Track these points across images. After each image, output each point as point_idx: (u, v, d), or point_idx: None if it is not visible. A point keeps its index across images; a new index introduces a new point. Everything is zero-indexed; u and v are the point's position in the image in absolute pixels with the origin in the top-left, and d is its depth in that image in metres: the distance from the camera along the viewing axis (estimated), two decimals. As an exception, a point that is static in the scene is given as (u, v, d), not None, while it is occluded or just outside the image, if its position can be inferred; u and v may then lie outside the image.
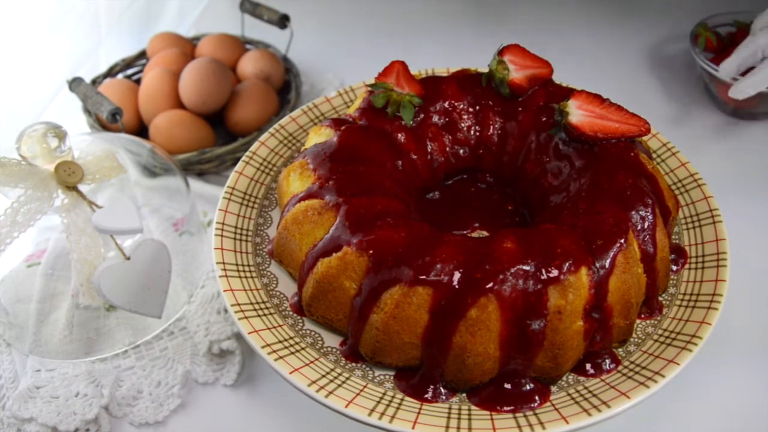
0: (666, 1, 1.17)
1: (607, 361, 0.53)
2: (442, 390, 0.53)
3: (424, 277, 0.50)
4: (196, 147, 0.85)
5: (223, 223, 0.63)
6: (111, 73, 0.98)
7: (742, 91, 0.79)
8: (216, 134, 0.90)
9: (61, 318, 0.66)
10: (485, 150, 0.67)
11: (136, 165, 0.69)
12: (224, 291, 0.57)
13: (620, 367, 0.53)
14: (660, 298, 0.58)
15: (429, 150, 0.65)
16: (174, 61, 0.93)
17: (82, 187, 0.61)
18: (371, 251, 0.51)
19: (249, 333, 0.54)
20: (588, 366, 0.53)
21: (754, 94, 0.79)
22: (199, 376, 0.65)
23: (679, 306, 0.57)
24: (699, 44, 0.91)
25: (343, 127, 0.62)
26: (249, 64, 0.95)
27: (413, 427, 0.48)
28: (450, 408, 0.51)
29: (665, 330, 0.55)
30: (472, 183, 0.68)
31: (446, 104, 0.66)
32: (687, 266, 0.60)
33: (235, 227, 0.63)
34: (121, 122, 0.80)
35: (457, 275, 0.49)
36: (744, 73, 0.83)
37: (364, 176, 0.58)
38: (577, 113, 0.59)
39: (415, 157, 0.64)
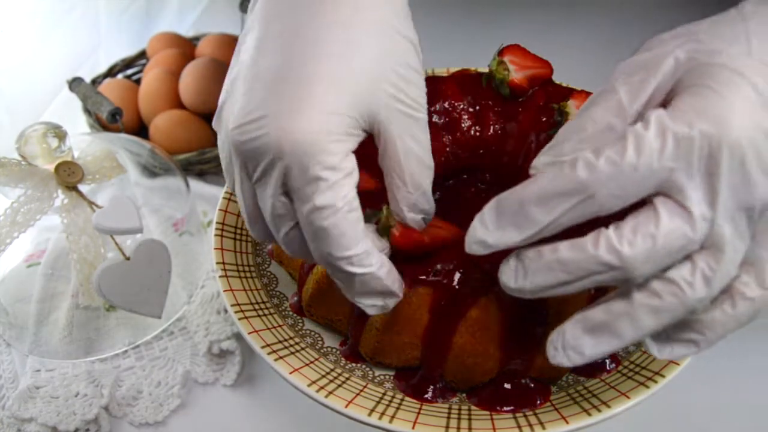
0: (666, 2, 1.17)
1: (607, 361, 0.53)
2: (442, 390, 0.53)
3: (424, 277, 0.50)
4: (196, 147, 0.85)
5: (223, 223, 0.63)
6: (111, 73, 0.97)
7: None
8: (216, 134, 0.90)
9: (61, 318, 0.66)
10: (485, 150, 0.67)
11: (136, 165, 0.69)
12: (224, 291, 0.57)
13: (620, 367, 0.53)
14: (660, 298, 0.58)
15: (429, 150, 0.65)
16: (174, 61, 0.93)
17: (82, 187, 0.61)
18: (371, 251, 0.51)
19: (249, 333, 0.54)
20: (588, 366, 0.53)
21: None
22: (199, 376, 0.65)
23: (679, 306, 0.57)
24: (699, 44, 0.91)
25: (343, 127, 0.62)
26: (249, 64, 0.95)
27: (413, 427, 0.48)
28: (450, 408, 0.51)
29: (665, 330, 0.55)
30: (472, 183, 0.68)
31: (446, 104, 0.66)
32: (687, 266, 0.60)
33: (235, 227, 0.63)
34: (121, 122, 0.80)
35: (457, 275, 0.49)
36: None
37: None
38: (577, 113, 0.59)
39: (415, 157, 0.64)
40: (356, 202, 0.42)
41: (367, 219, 0.50)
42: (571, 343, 0.39)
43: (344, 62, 0.42)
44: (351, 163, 0.42)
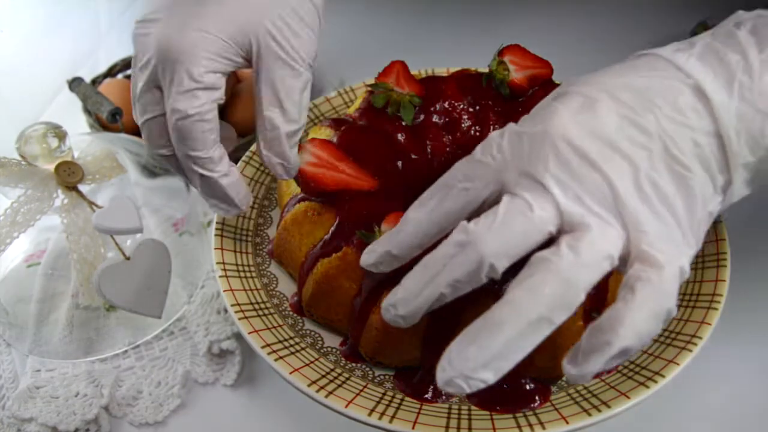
0: (666, 1, 1.17)
1: (607, 361, 0.53)
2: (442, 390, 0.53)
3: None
4: (196, 147, 0.85)
5: (223, 223, 0.63)
6: (111, 73, 0.97)
7: None
8: (216, 134, 0.90)
9: (61, 318, 0.66)
10: (485, 150, 0.67)
11: (136, 165, 0.69)
12: (224, 291, 0.57)
13: (620, 367, 0.53)
14: (660, 298, 0.58)
15: (429, 150, 0.65)
16: (174, 61, 0.93)
17: (82, 187, 0.61)
18: (371, 251, 0.51)
19: (249, 333, 0.54)
20: (588, 366, 0.53)
21: None
22: (199, 376, 0.65)
23: (679, 306, 0.57)
24: (699, 44, 0.91)
25: (343, 127, 0.62)
26: (249, 64, 0.95)
27: (413, 427, 0.48)
28: (450, 408, 0.51)
29: (665, 330, 0.55)
30: (472, 183, 0.68)
31: (446, 104, 0.66)
32: (687, 266, 0.60)
33: (235, 227, 0.63)
34: (121, 122, 0.80)
35: (457, 275, 0.49)
36: None
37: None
38: None
39: (415, 157, 0.64)
40: (210, 115, 0.48)
41: (366, 239, 0.50)
42: (456, 356, 0.37)
43: None
44: (214, 79, 0.48)
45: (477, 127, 0.67)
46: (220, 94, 0.49)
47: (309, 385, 0.50)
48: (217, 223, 0.63)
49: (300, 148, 0.56)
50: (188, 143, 0.49)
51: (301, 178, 0.55)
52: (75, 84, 0.85)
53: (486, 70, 0.68)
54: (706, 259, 0.59)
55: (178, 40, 0.47)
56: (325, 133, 0.63)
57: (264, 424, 0.62)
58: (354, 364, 0.55)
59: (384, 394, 0.52)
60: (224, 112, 0.90)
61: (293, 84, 0.50)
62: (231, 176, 0.52)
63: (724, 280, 0.57)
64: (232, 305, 0.56)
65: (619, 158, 0.39)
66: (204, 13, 0.48)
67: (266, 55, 0.49)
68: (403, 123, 0.64)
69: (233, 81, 0.93)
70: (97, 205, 0.60)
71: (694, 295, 0.57)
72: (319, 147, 0.56)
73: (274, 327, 0.56)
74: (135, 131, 0.90)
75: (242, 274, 0.60)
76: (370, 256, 0.45)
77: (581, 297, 0.37)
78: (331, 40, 1.16)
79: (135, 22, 0.51)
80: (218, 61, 0.48)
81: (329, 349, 0.56)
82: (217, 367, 0.66)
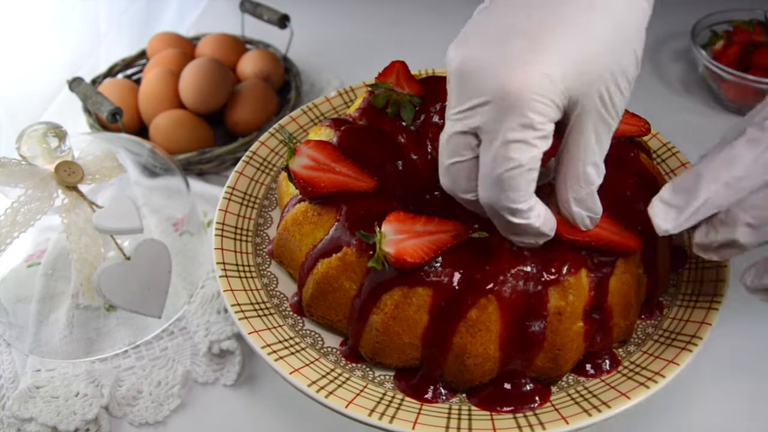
0: (666, 2, 1.17)
1: (607, 361, 0.53)
2: (442, 390, 0.53)
3: (424, 277, 0.50)
4: (196, 147, 0.85)
5: (223, 223, 0.63)
6: (111, 73, 0.98)
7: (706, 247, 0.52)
8: (216, 134, 0.90)
9: (61, 318, 0.66)
10: (485, 150, 0.67)
11: (136, 165, 0.69)
12: (224, 291, 0.57)
13: (620, 368, 0.53)
14: (660, 299, 0.58)
15: (429, 150, 0.65)
16: (174, 61, 0.93)
17: (82, 187, 0.61)
18: (371, 252, 0.51)
19: (249, 333, 0.54)
20: (588, 366, 0.53)
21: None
22: (199, 376, 0.65)
23: (679, 306, 0.57)
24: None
25: (342, 127, 0.62)
26: (249, 64, 0.95)
27: (413, 428, 0.48)
28: (450, 408, 0.51)
29: (665, 330, 0.55)
30: (472, 183, 0.68)
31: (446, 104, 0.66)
32: (687, 266, 0.60)
33: (235, 227, 0.63)
34: (121, 122, 0.80)
35: (457, 276, 0.49)
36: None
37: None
38: None
39: (415, 157, 0.64)
40: (539, 163, 0.44)
41: (366, 239, 0.50)
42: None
43: (578, 33, 0.43)
44: (550, 129, 0.44)
45: (477, 127, 0.67)
46: (551, 141, 0.44)
47: (309, 385, 0.50)
48: (217, 223, 0.63)
49: (296, 150, 0.56)
50: (510, 194, 0.44)
51: (297, 182, 0.55)
52: (75, 84, 0.85)
53: (486, 70, 0.67)
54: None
55: (521, 82, 0.42)
56: (325, 133, 0.63)
57: (264, 424, 0.62)
58: (354, 365, 0.55)
59: (384, 394, 0.52)
60: (224, 112, 0.90)
61: (605, 140, 0.46)
62: (542, 213, 0.47)
63: (724, 280, 0.57)
64: (232, 305, 0.56)
65: None
66: (543, 50, 0.43)
67: (591, 111, 0.44)
68: (403, 123, 0.64)
69: (233, 81, 0.93)
70: (97, 205, 0.61)
71: (694, 295, 0.57)
72: (315, 149, 0.56)
73: (274, 327, 0.56)
74: (135, 131, 0.91)
75: (242, 274, 0.60)
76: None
77: None
78: (331, 40, 1.17)
79: (450, 51, 0.48)
80: (553, 109, 0.43)
81: (329, 349, 0.56)
82: (217, 367, 0.66)
